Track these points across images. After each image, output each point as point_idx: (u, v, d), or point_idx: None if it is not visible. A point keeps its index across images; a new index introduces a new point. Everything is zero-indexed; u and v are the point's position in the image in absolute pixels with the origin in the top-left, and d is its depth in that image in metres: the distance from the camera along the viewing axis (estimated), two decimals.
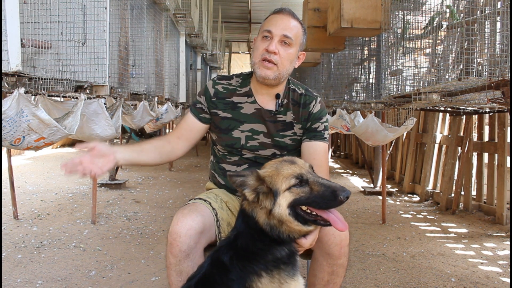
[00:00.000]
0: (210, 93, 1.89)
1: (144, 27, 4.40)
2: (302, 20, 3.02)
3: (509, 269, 3.18)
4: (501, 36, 2.34)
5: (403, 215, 4.74)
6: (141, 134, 12.14)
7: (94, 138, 3.48)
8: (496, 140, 4.49)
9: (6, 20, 1.91)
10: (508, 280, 2.99)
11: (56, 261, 3.16)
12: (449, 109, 4.69)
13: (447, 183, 5.03)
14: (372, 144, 4.64)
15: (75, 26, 2.85)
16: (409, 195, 5.80)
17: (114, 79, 3.45)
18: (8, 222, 4.04)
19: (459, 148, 4.96)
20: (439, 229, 4.23)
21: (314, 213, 1.38)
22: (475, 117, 4.85)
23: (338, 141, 10.25)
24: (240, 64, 19.92)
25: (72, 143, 10.90)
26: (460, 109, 4.55)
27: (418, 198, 5.57)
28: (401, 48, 3.40)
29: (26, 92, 2.22)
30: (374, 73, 4.64)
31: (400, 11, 3.40)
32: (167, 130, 8.99)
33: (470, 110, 4.48)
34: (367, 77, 4.85)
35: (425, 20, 3.12)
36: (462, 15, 2.77)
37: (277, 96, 1.86)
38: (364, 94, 4.88)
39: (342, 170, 7.99)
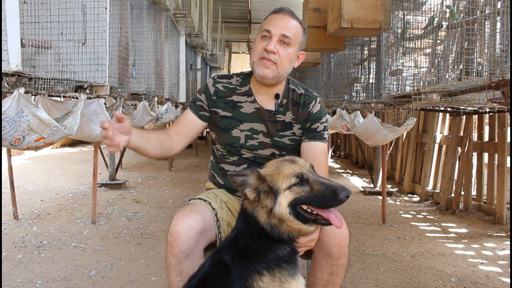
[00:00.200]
0: (211, 91, 1.89)
1: (144, 27, 4.40)
2: (302, 20, 3.02)
3: (509, 269, 3.18)
4: (501, 36, 2.34)
5: (403, 215, 4.74)
6: None
7: (94, 138, 3.48)
8: (496, 140, 4.49)
9: (6, 20, 1.91)
10: (508, 280, 2.99)
11: (56, 261, 3.16)
12: (449, 109, 4.69)
13: (447, 183, 5.03)
14: (372, 144, 4.64)
15: (75, 26, 2.85)
16: (409, 195, 5.79)
17: (114, 79, 3.45)
18: (8, 222, 4.04)
19: (459, 148, 4.96)
20: (439, 229, 4.23)
21: (314, 212, 1.38)
22: (475, 117, 4.85)
23: (338, 141, 10.24)
24: (240, 64, 19.92)
25: (72, 143, 10.91)
26: (460, 109, 4.55)
27: (418, 198, 5.57)
28: (401, 48, 3.40)
29: (26, 92, 2.22)
30: (374, 73, 4.64)
31: (400, 11, 3.40)
32: None
33: (470, 110, 4.48)
34: (367, 77, 4.84)
35: (425, 20, 3.12)
36: (462, 15, 2.76)
37: (277, 96, 1.85)
38: (364, 94, 4.88)
39: (342, 170, 7.99)
